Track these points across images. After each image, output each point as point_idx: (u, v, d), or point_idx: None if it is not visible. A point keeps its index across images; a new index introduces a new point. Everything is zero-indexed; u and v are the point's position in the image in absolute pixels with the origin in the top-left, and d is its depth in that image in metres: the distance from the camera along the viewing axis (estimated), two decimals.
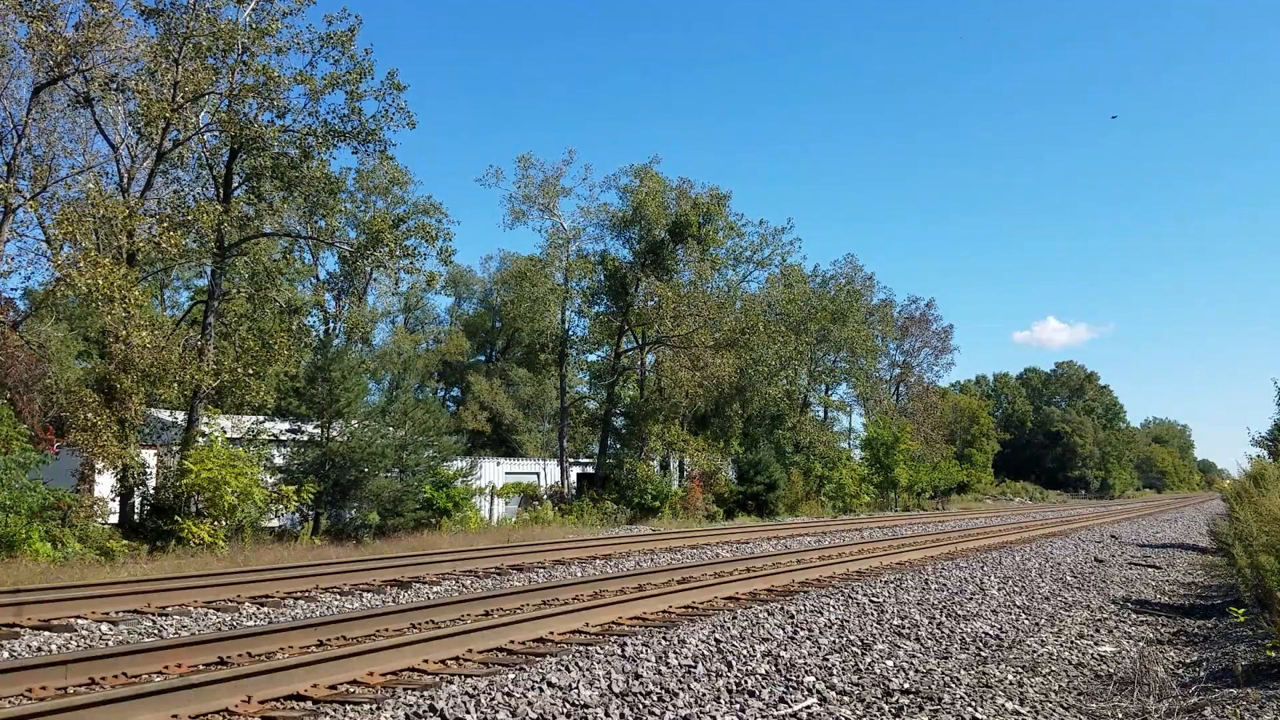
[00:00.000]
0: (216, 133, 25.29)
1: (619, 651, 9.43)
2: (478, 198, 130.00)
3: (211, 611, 12.84)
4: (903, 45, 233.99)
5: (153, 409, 26.40)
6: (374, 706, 7.72)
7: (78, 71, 22.37)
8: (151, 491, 23.94)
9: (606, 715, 7.44)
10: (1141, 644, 11.60)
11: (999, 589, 15.67)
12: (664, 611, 13.29)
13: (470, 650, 10.04)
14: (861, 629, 11.50)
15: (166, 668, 8.92)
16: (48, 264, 23.27)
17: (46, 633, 11.04)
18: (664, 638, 10.18)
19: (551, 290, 42.13)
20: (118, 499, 23.52)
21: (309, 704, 8.03)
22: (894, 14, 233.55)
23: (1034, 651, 10.71)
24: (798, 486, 47.08)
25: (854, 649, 10.37)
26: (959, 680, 8.91)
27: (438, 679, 8.92)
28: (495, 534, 29.01)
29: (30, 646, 10.27)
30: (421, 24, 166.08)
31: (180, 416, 26.72)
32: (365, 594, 14.92)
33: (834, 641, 10.68)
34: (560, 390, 45.35)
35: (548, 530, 31.01)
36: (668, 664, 9.06)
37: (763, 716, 7.64)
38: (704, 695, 8.12)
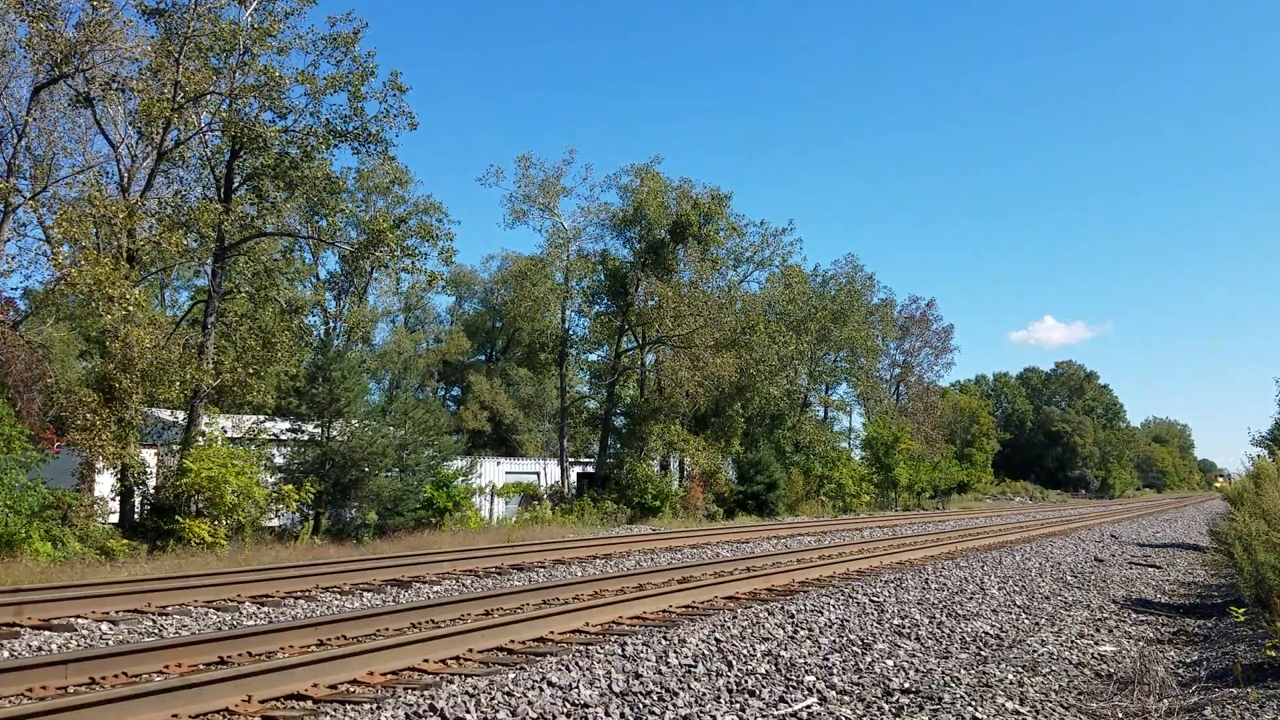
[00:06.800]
0: (217, 133, 25.28)
1: (619, 651, 9.42)
2: (478, 197, 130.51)
3: (212, 611, 12.84)
4: (903, 45, 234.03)
5: (153, 409, 26.38)
6: (374, 706, 7.71)
7: (78, 71, 22.36)
8: (151, 491, 23.93)
9: (607, 715, 7.44)
10: (1141, 643, 11.60)
11: (999, 588, 15.67)
12: (664, 611, 13.29)
13: (470, 650, 10.04)
14: (862, 628, 11.49)
15: (166, 667, 8.91)
16: (48, 264, 23.29)
17: (46, 632, 11.04)
18: (664, 637, 10.17)
19: (552, 290, 42.10)
20: (118, 498, 23.51)
21: (309, 703, 8.03)
22: (894, 14, 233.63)
23: (1034, 651, 10.70)
24: (798, 486, 47.08)
25: (854, 648, 10.37)
26: (959, 680, 8.90)
27: (438, 678, 8.92)
28: (495, 533, 29.00)
29: (30, 646, 10.26)
30: (422, 24, 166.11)
31: (180, 416, 26.71)
32: (365, 593, 14.91)
33: (834, 641, 10.68)
34: (560, 390, 45.33)
35: (548, 530, 31.00)
36: (668, 663, 9.05)
37: (763, 716, 7.64)
38: (704, 695, 8.12)
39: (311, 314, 42.97)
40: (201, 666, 9.04)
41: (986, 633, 11.88)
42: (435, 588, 15.89)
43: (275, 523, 25.91)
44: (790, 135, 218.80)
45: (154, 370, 22.17)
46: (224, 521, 22.52)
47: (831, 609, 12.60)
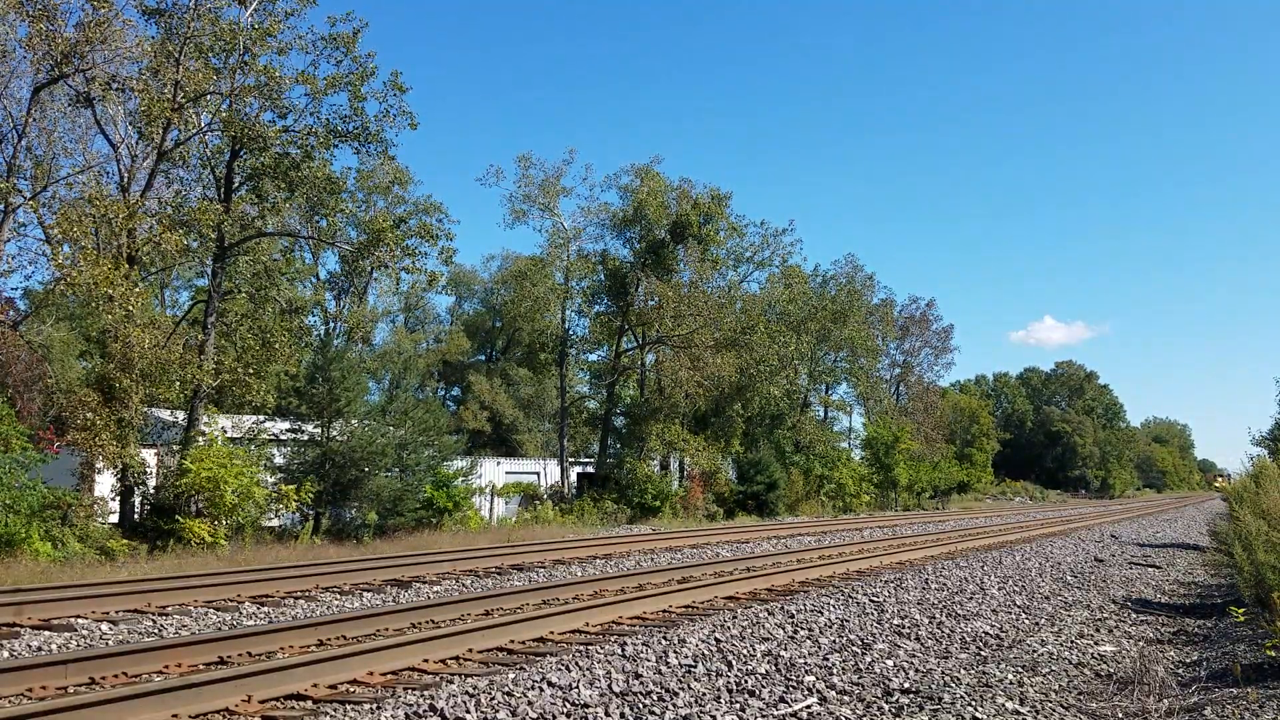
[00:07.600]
0: (218, 133, 25.27)
1: (619, 651, 9.42)
2: (478, 197, 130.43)
3: (211, 611, 12.84)
4: (903, 45, 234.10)
5: (153, 409, 26.38)
6: (374, 706, 7.71)
7: (78, 71, 22.34)
8: (151, 491, 23.92)
9: (607, 715, 7.44)
10: (1141, 643, 11.60)
11: (999, 589, 15.67)
12: (664, 611, 13.29)
13: (470, 650, 10.04)
14: (861, 628, 11.49)
15: (166, 667, 8.91)
16: (48, 264, 23.28)
17: (46, 632, 11.04)
18: (664, 637, 10.17)
19: (552, 290, 42.10)
20: (118, 498, 23.51)
21: (309, 703, 8.03)
22: (894, 14, 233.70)
23: (1034, 651, 10.70)
24: (798, 486, 47.07)
25: (854, 648, 10.37)
26: (959, 680, 8.90)
27: (438, 679, 8.92)
28: (495, 533, 29.00)
29: (30, 646, 10.26)
30: (422, 24, 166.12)
31: (180, 416, 26.72)
32: (365, 593, 14.91)
33: (834, 641, 10.67)
34: (560, 390, 45.33)
35: (548, 530, 31.00)
36: (668, 663, 9.05)
37: (763, 716, 7.63)
38: (704, 695, 8.12)
39: (311, 314, 42.98)
40: (201, 666, 9.04)
41: (986, 633, 11.88)
42: (435, 588, 15.89)
43: (275, 523, 25.90)
44: (790, 135, 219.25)
45: (154, 370, 22.17)
46: (224, 521, 22.51)
47: (831, 609, 12.60)
